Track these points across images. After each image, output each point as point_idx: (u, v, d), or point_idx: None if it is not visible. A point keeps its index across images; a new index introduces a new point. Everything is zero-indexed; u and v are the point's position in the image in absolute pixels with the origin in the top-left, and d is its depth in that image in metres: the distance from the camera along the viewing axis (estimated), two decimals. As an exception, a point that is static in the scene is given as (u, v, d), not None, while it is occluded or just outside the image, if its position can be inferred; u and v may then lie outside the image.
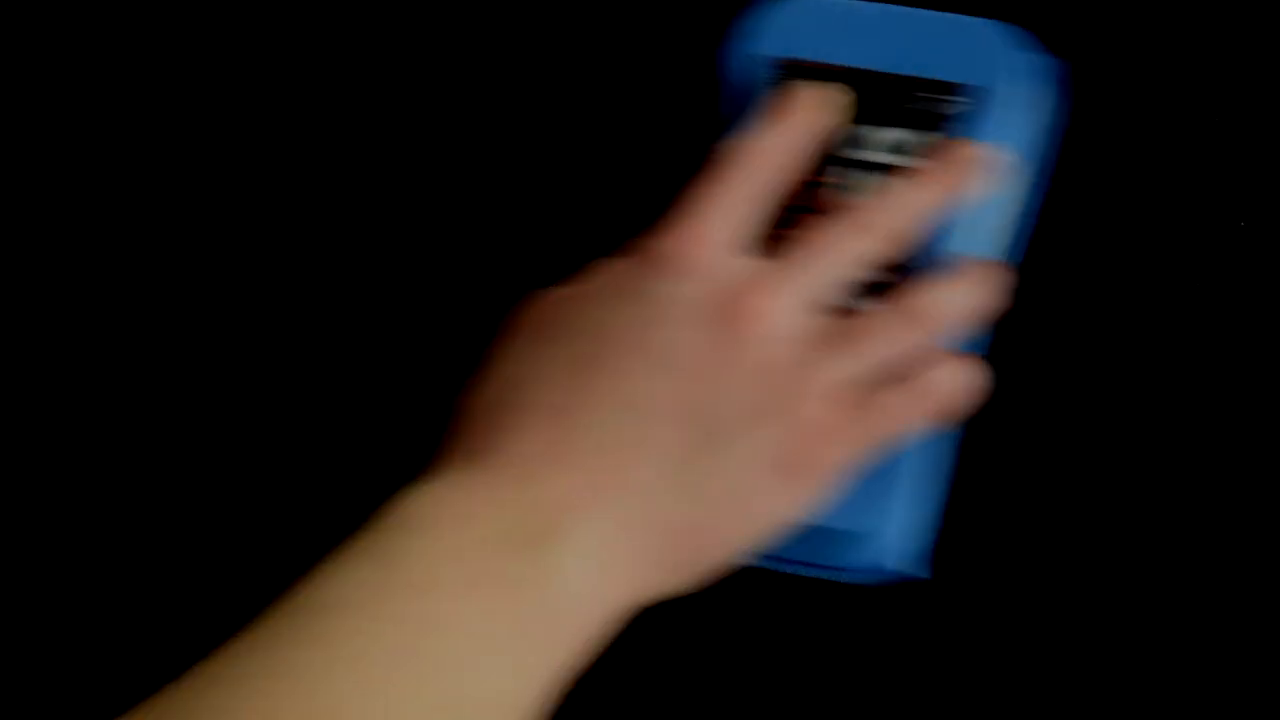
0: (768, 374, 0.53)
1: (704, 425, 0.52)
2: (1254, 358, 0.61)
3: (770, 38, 0.61)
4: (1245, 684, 0.59)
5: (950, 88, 0.59)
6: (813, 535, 0.55)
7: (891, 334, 0.55)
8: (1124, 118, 0.63)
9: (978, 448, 0.59)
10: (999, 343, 0.58)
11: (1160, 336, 0.61)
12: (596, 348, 0.53)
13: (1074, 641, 0.60)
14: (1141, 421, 0.61)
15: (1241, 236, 0.62)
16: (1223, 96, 0.63)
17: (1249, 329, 0.61)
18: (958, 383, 0.56)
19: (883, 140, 0.59)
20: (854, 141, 0.59)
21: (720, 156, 0.57)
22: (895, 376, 0.55)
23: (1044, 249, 0.61)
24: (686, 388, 0.52)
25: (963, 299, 0.57)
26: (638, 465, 0.52)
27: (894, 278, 0.57)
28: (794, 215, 0.57)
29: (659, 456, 0.52)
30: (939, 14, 0.61)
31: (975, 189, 0.58)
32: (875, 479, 0.56)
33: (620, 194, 0.65)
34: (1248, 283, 0.61)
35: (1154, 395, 0.61)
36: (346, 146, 0.67)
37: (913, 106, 0.59)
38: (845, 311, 0.55)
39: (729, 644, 0.61)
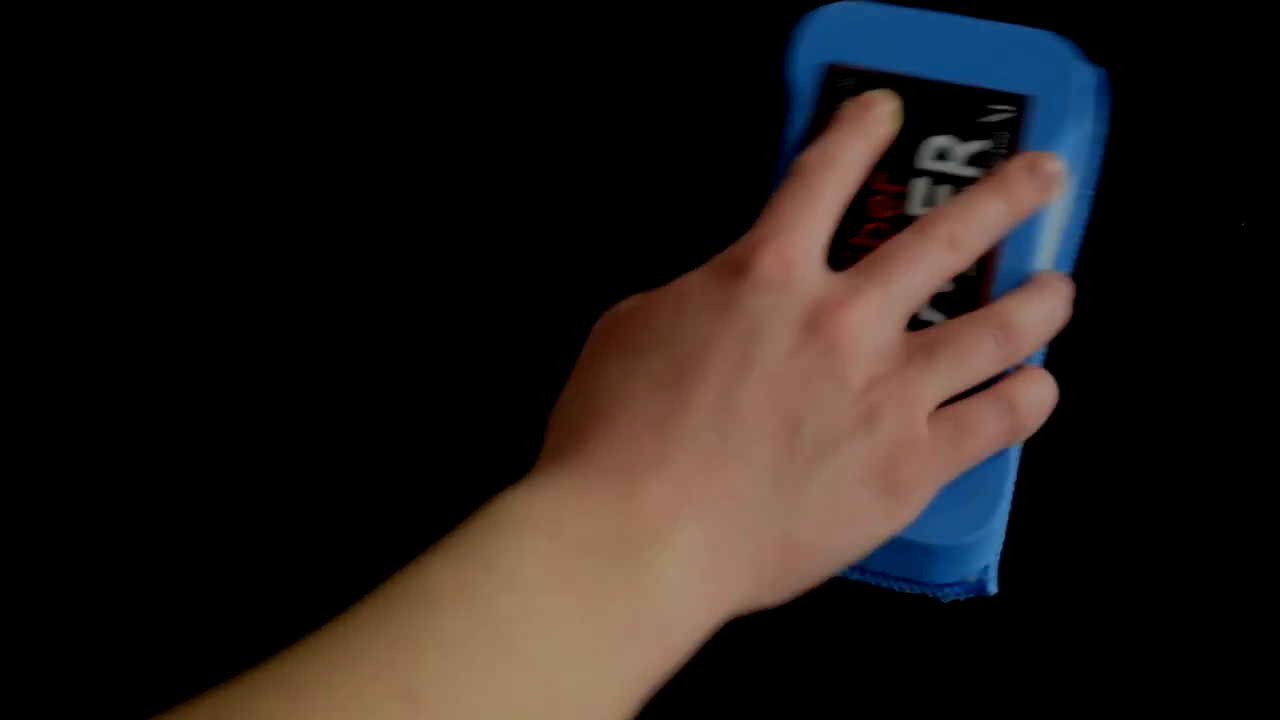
0: (863, 388, 0.52)
1: (801, 439, 0.51)
2: (1254, 357, 0.61)
3: (827, 44, 0.61)
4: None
5: (1004, 97, 0.59)
6: (901, 550, 0.54)
7: (985, 351, 0.55)
8: (1123, 119, 0.63)
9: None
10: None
11: (1160, 336, 0.61)
12: (692, 358, 0.52)
13: (1129, 652, 0.58)
14: (1141, 424, 0.61)
15: (1241, 236, 0.62)
16: (1223, 97, 0.63)
17: (1249, 329, 0.61)
18: (1043, 397, 0.56)
19: (937, 148, 0.59)
20: (909, 149, 0.59)
21: (799, 168, 0.56)
22: (980, 389, 0.55)
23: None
24: (783, 401, 0.52)
25: (1049, 313, 0.56)
26: (736, 477, 0.51)
27: (953, 287, 0.56)
28: (856, 224, 0.57)
29: (757, 469, 0.51)
30: (991, 23, 0.61)
31: (1048, 201, 0.58)
32: (963, 494, 0.54)
33: (689, 201, 0.64)
34: (1248, 283, 0.62)
35: (1154, 396, 0.61)
36: (404, 151, 0.67)
37: (967, 115, 0.59)
38: (916, 322, 0.55)
39: (798, 652, 0.59)
